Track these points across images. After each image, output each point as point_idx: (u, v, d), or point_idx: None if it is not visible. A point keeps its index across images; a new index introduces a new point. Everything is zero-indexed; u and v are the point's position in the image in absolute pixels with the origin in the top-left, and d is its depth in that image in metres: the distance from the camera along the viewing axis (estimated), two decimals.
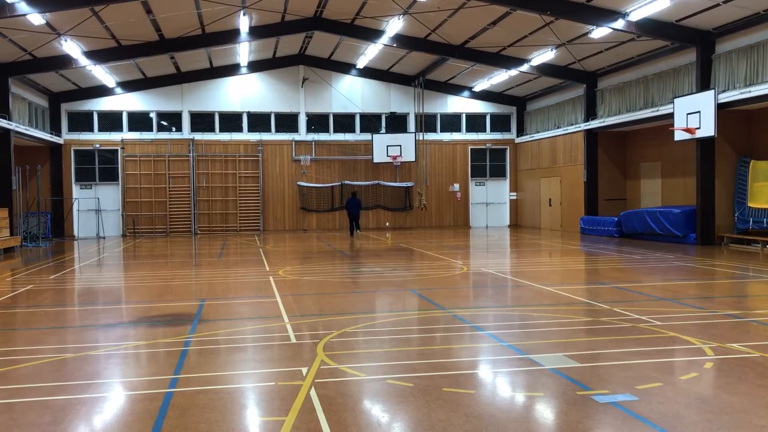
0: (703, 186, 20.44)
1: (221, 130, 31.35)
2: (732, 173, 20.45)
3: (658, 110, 22.32)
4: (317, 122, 32.30)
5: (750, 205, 19.55)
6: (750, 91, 18.38)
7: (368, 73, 31.76)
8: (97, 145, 30.18)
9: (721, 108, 19.26)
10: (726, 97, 19.17)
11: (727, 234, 20.19)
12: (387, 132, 32.18)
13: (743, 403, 5.35)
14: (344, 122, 32.55)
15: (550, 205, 30.57)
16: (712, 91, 19.27)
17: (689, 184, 22.50)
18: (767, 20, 18.24)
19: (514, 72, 27.44)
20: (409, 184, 32.73)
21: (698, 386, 5.82)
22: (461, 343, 7.81)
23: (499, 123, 33.92)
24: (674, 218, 21.19)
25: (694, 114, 19.72)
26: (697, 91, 20.10)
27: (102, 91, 29.70)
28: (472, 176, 33.66)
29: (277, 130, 31.84)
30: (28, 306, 10.96)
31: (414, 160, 31.56)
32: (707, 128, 19.33)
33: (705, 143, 20.26)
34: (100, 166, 30.49)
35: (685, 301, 10.29)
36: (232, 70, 30.78)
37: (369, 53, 27.84)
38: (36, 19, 18.40)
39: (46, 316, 10.06)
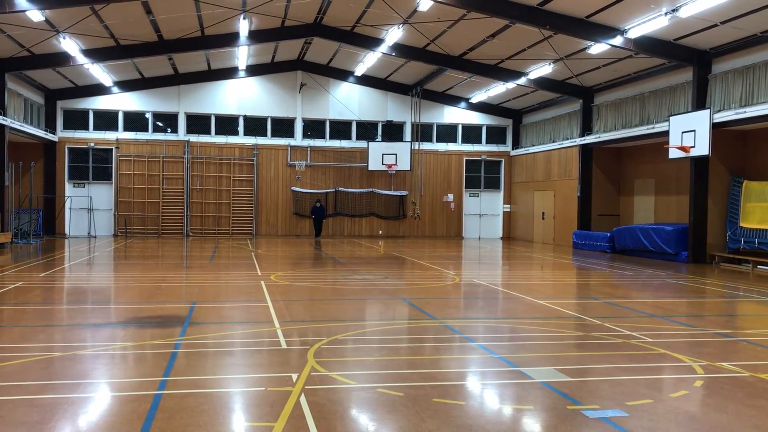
0: (696, 204, 20.54)
1: (217, 132, 31.31)
2: (725, 193, 20.55)
3: (653, 127, 22.44)
4: (313, 128, 32.31)
5: (742, 224, 19.65)
6: (745, 112, 18.51)
7: (366, 80, 31.83)
8: (92, 144, 30.07)
9: (716, 127, 19.37)
10: (721, 116, 19.30)
11: (719, 253, 20.27)
12: (383, 140, 32.21)
13: (732, 422, 5.36)
14: (340, 129, 32.58)
15: (543, 218, 30.64)
16: (708, 110, 19.38)
17: (682, 202, 22.59)
18: (764, 42, 18.42)
19: (511, 85, 27.55)
20: (404, 192, 32.76)
21: (688, 404, 5.83)
22: (452, 353, 7.80)
23: (495, 135, 34.03)
24: (666, 236, 21.26)
25: (689, 132, 19.82)
26: (693, 110, 20.21)
27: (98, 89, 29.64)
28: (466, 187, 33.72)
29: (273, 135, 31.83)
30: (16, 303, 10.88)
31: (409, 169, 31.60)
32: (702, 147, 19.43)
33: (699, 162, 20.37)
34: (94, 165, 30.38)
35: (676, 318, 10.31)
36: (229, 73, 30.79)
37: (367, 61, 27.90)
38: (35, 15, 18.35)
39: (34, 314, 9.99)
